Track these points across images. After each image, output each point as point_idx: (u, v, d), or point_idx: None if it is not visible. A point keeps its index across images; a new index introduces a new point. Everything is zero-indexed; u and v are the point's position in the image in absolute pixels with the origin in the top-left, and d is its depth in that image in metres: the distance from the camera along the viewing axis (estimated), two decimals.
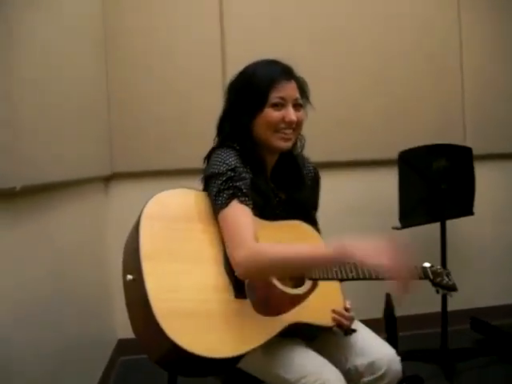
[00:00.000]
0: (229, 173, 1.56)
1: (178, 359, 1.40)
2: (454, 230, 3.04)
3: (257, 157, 1.68)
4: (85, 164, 2.45)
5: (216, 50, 3.14)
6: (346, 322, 1.62)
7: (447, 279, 1.86)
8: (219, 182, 1.56)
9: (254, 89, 1.64)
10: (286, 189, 1.76)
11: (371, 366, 1.58)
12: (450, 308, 2.80)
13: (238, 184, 1.56)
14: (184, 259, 1.47)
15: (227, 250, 1.49)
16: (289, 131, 1.65)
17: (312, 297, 1.59)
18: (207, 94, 3.02)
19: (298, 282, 1.63)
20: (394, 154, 2.69)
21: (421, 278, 1.79)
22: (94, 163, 2.72)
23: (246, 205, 1.55)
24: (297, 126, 1.68)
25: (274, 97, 1.62)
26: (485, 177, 3.08)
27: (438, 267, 1.88)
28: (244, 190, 1.56)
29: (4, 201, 1.56)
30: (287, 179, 1.77)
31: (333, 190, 3.16)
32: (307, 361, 1.52)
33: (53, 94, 1.97)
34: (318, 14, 3.25)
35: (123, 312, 1.49)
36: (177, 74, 3.11)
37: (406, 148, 2.69)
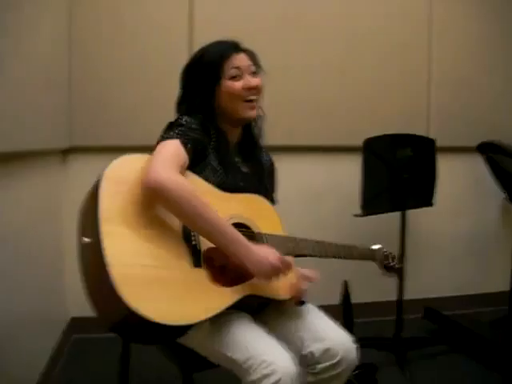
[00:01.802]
0: (187, 124, 1.59)
1: (131, 324, 1.36)
2: (414, 220, 3.08)
3: (220, 129, 1.71)
4: (42, 135, 2.37)
5: (184, 22, 3.06)
6: (298, 294, 1.66)
7: (393, 262, 2.02)
8: (174, 127, 1.59)
9: (207, 64, 1.69)
10: (251, 162, 1.81)
11: (327, 353, 1.57)
12: (405, 297, 2.83)
13: (190, 135, 1.56)
14: (144, 225, 1.42)
15: (147, 166, 1.44)
16: (254, 97, 1.71)
17: None
18: (174, 69, 2.95)
19: None
20: (357, 142, 2.68)
21: (369, 259, 1.96)
22: (52, 135, 2.63)
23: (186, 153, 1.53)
24: (258, 92, 1.73)
25: (230, 68, 1.68)
26: (446, 169, 3.11)
27: (385, 250, 2.01)
28: (191, 143, 1.55)
29: None
30: (252, 153, 1.82)
31: (295, 175, 3.18)
32: (255, 341, 1.50)
33: (11, 61, 1.89)
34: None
35: (77, 290, 1.42)
36: (144, 48, 3.01)
37: (370, 136, 2.69)
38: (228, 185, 1.65)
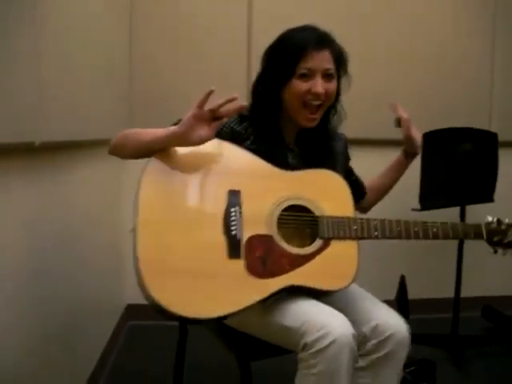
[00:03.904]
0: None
1: (163, 313, 1.37)
2: (473, 215, 2.99)
3: (275, 123, 1.69)
4: (103, 126, 2.42)
5: (243, 14, 3.06)
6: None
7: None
8: None
9: (283, 58, 1.61)
10: (310, 158, 1.71)
11: (375, 330, 1.50)
12: (463, 295, 2.77)
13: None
14: (183, 213, 1.45)
15: None
16: (316, 102, 1.61)
17: (319, 259, 1.51)
18: (232, 63, 2.98)
19: (306, 242, 1.55)
20: None
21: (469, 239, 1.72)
22: (113, 125, 2.68)
23: None
24: (326, 98, 1.63)
25: (302, 67, 1.59)
26: (508, 164, 3.01)
27: (494, 221, 1.72)
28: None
29: (23, 157, 1.54)
30: (313, 150, 1.74)
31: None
32: (310, 307, 1.47)
33: (76, 56, 1.95)
34: None
35: (133, 277, 1.41)
36: (203, 41, 3.04)
37: (429, 130, 2.63)
38: (276, 162, 1.60)
